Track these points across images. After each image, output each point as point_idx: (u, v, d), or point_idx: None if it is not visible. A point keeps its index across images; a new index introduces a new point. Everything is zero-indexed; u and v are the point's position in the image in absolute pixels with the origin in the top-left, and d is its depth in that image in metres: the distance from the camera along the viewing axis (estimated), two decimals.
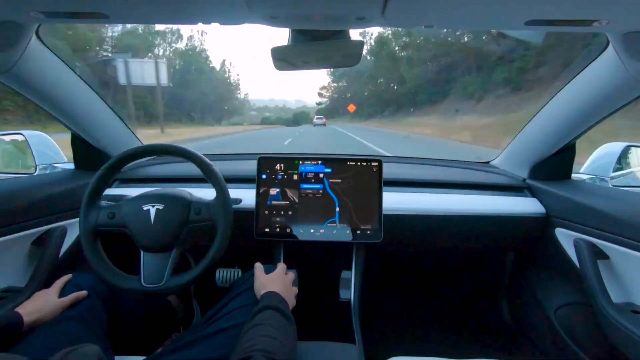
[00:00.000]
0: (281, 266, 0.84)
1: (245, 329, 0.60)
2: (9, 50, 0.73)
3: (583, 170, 1.29)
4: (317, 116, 38.32)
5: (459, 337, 1.36)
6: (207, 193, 0.90)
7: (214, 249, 0.82)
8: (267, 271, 0.81)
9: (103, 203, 0.86)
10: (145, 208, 0.82)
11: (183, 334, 0.77)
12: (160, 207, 0.82)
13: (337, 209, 1.00)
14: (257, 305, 0.67)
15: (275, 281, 0.76)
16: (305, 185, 1.02)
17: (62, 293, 0.76)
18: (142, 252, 0.83)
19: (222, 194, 0.84)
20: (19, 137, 1.29)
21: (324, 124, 33.12)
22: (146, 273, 0.81)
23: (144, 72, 13.81)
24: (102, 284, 0.83)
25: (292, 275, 0.84)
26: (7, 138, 1.42)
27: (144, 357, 0.72)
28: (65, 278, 0.80)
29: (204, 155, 0.87)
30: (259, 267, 0.82)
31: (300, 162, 1.02)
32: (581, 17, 0.58)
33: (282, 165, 1.02)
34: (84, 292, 0.77)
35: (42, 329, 0.69)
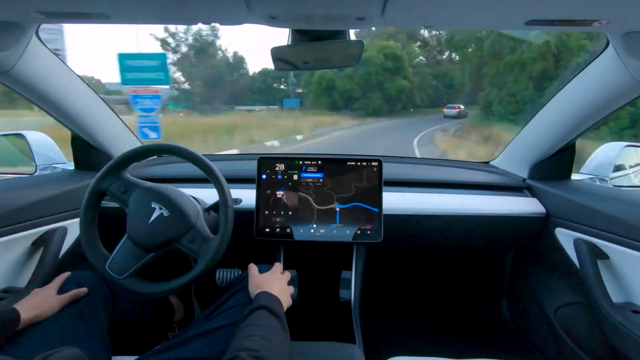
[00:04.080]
0: (277, 266, 0.84)
1: (237, 330, 0.61)
2: (9, 50, 0.73)
3: (583, 170, 1.30)
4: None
5: (459, 337, 1.36)
6: (208, 193, 0.90)
7: (185, 280, 0.79)
8: (262, 271, 0.80)
9: (127, 175, 0.86)
10: (152, 206, 0.81)
11: (179, 332, 0.77)
12: (166, 214, 0.81)
13: (337, 209, 1.00)
14: (251, 304, 0.67)
15: (270, 281, 0.76)
16: (305, 175, 1.02)
17: (62, 290, 0.76)
18: (125, 237, 0.81)
19: (224, 229, 0.81)
20: (19, 137, 1.29)
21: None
22: (115, 258, 0.80)
23: None
24: (102, 283, 0.83)
25: (288, 274, 0.83)
26: (7, 138, 1.42)
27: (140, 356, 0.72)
28: (65, 275, 0.80)
29: (203, 155, 0.87)
30: (253, 267, 0.82)
31: (301, 163, 1.02)
32: (581, 17, 0.58)
33: (282, 165, 1.02)
34: (83, 289, 0.77)
35: (41, 326, 0.68)
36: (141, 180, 0.86)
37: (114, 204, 0.85)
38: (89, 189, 0.83)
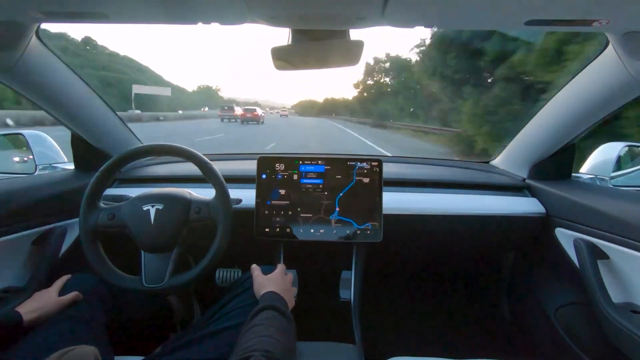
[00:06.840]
0: (281, 267, 0.84)
1: (244, 329, 0.61)
2: (9, 50, 0.73)
3: (583, 170, 1.30)
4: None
5: (459, 337, 1.36)
6: (207, 193, 0.90)
7: (215, 248, 0.82)
8: (266, 272, 0.81)
9: (103, 204, 0.86)
10: (145, 208, 0.82)
11: (181, 334, 0.77)
12: (160, 207, 0.82)
13: (337, 209, 1.00)
14: (256, 305, 0.67)
15: (274, 281, 0.76)
16: (305, 180, 1.02)
17: (63, 292, 0.76)
18: (142, 252, 0.83)
19: (222, 192, 0.84)
20: (19, 137, 1.29)
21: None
22: (147, 273, 0.81)
23: None
24: (102, 284, 0.83)
25: (291, 275, 0.84)
26: (7, 138, 1.42)
27: (143, 357, 0.72)
28: (65, 278, 0.80)
29: (204, 155, 0.87)
30: (256, 268, 0.82)
31: (300, 162, 1.02)
32: (581, 17, 0.58)
33: (282, 165, 1.02)
34: (84, 292, 0.77)
35: (42, 328, 0.68)
36: (118, 202, 0.87)
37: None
38: (83, 235, 0.81)
